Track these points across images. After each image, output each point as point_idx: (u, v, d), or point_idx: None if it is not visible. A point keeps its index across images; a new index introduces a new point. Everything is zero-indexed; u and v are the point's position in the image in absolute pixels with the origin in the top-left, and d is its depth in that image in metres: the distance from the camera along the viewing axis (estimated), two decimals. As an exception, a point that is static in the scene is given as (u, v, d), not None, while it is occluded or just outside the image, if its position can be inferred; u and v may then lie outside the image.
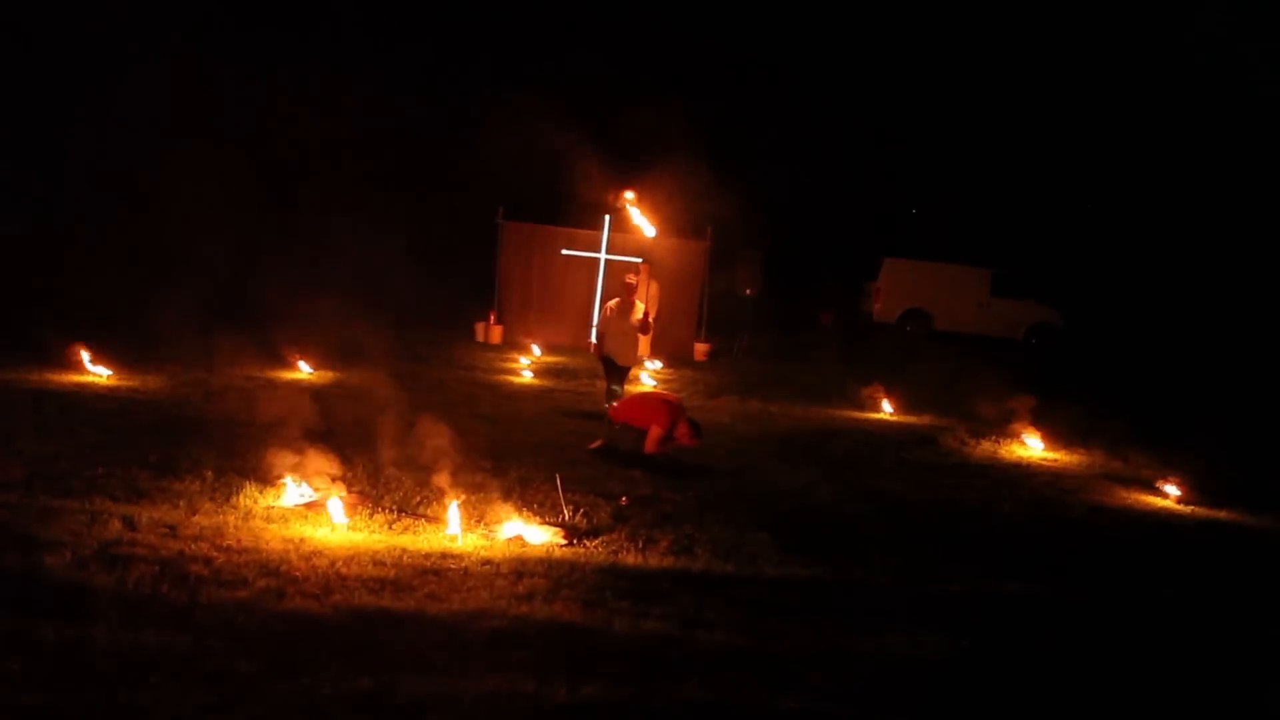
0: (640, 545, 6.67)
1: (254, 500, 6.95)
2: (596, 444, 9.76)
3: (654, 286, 15.91)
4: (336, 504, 6.72)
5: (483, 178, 24.07)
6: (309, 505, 6.88)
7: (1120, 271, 32.85)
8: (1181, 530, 8.68)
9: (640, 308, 10.60)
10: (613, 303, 10.72)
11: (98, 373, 11.39)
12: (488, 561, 6.01)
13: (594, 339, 10.81)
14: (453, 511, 6.73)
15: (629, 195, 10.92)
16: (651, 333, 10.57)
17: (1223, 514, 9.29)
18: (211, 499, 6.89)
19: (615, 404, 9.94)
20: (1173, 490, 9.76)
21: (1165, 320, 28.84)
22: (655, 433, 9.19)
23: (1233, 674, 5.53)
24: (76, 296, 16.74)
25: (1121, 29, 36.32)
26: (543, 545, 6.53)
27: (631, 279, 10.82)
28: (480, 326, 18.47)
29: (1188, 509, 9.38)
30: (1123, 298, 30.89)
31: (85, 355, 11.57)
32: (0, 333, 13.24)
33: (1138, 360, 23.52)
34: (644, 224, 10.95)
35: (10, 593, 4.92)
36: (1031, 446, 11.83)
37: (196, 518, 6.45)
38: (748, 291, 19.37)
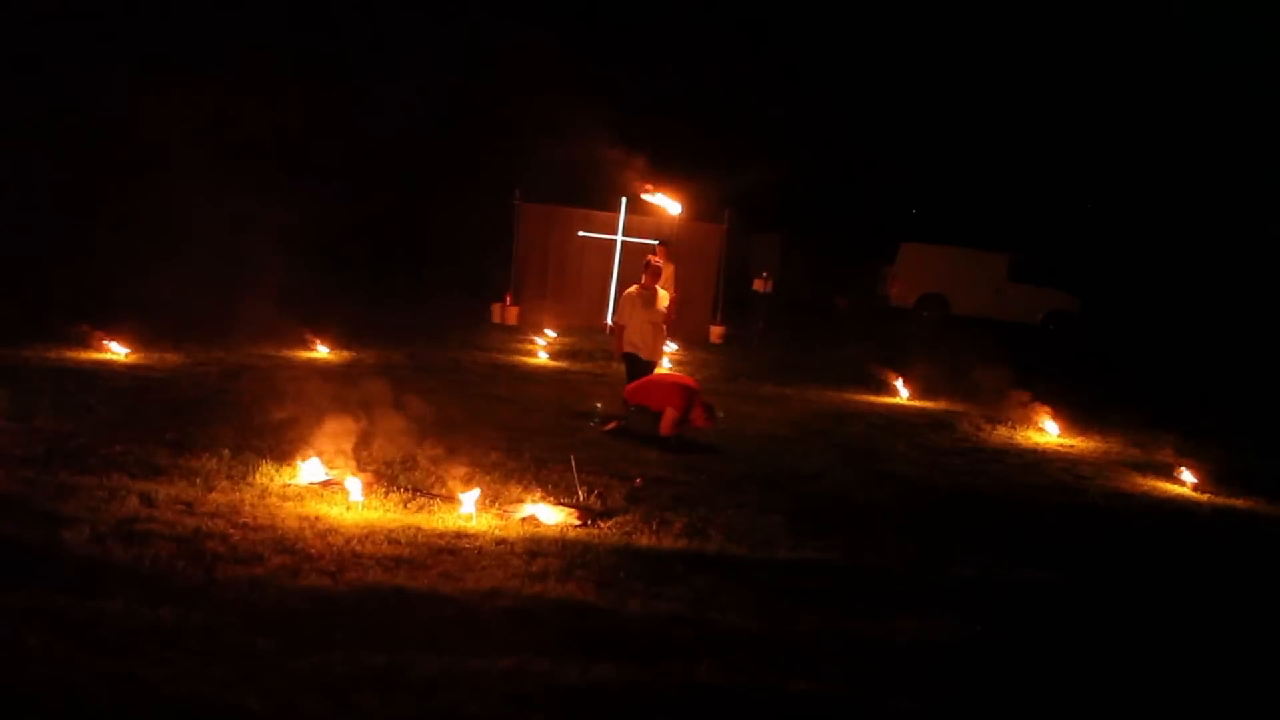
0: (654, 527, 6.68)
1: (270, 478, 6.98)
2: (611, 425, 9.76)
3: (671, 269, 15.85)
4: (353, 482, 6.75)
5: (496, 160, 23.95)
6: (325, 483, 6.92)
7: (1139, 257, 32.58)
8: (1198, 518, 8.63)
9: (665, 296, 10.13)
10: (633, 290, 10.20)
11: (115, 351, 11.45)
12: (502, 541, 6.03)
13: (609, 321, 10.60)
14: (468, 494, 6.75)
15: (647, 186, 10.82)
16: (674, 317, 10.18)
17: (1240, 502, 9.22)
18: (228, 476, 6.93)
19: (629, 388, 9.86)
20: (1190, 477, 9.70)
21: (1184, 307, 28.61)
22: (670, 415, 9.18)
23: (1246, 663, 5.50)
24: (91, 274, 16.82)
25: (1144, 13, 35.87)
26: (557, 526, 6.55)
27: (654, 259, 10.39)
28: (497, 307, 18.49)
29: (1204, 496, 9.32)
30: (1141, 284, 30.66)
31: (102, 334, 11.64)
32: (18, 311, 13.33)
33: (1156, 347, 23.37)
34: (667, 203, 10.83)
35: (29, 567, 4.96)
36: (1048, 432, 11.78)
37: (213, 495, 6.49)
38: (765, 274, 19.31)
